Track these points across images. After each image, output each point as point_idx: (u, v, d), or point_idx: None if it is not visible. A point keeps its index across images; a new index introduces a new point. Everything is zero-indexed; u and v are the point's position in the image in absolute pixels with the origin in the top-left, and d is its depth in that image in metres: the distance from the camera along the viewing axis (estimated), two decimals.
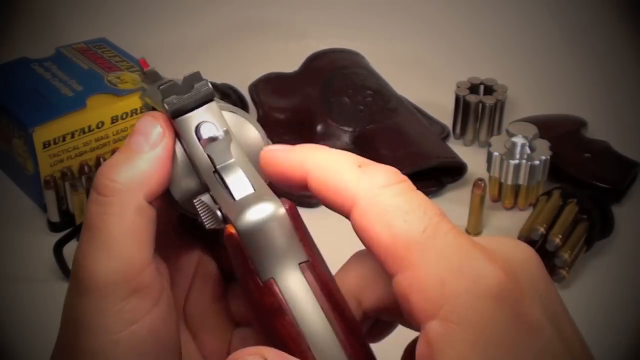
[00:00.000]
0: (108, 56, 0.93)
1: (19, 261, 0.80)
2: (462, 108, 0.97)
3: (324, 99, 0.96)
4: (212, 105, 0.38)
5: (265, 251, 0.35)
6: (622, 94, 1.06)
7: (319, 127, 0.94)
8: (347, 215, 0.35)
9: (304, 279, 0.35)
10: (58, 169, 0.83)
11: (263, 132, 0.40)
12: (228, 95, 0.99)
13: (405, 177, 0.35)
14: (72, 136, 0.83)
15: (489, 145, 0.86)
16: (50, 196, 0.81)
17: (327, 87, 0.98)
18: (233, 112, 0.39)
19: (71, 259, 0.81)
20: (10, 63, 0.93)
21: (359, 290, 0.37)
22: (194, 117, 0.38)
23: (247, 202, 0.35)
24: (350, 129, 0.93)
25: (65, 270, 0.76)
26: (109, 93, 0.87)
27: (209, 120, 0.38)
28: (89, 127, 0.84)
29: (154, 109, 0.40)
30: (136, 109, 0.87)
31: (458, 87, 0.98)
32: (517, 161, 0.84)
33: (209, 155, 0.37)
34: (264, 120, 0.98)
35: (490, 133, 0.97)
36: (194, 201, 0.37)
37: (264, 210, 0.35)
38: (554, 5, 1.16)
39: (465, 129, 0.97)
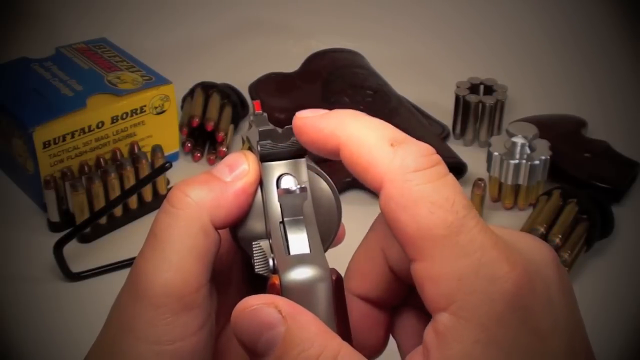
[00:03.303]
0: (108, 56, 0.93)
1: (19, 261, 0.80)
2: (462, 108, 0.97)
3: (324, 99, 0.96)
4: (301, 161, 0.39)
5: None
6: (622, 94, 1.06)
7: None
8: (376, 192, 0.34)
9: None
10: (58, 169, 0.83)
11: (339, 201, 0.40)
12: (228, 95, 0.99)
13: (438, 159, 0.34)
14: (72, 136, 0.83)
15: (489, 145, 0.86)
16: (50, 196, 0.81)
17: (327, 87, 0.98)
18: (319, 175, 0.40)
19: (71, 259, 0.81)
20: (10, 63, 0.93)
21: (384, 245, 0.38)
22: (280, 167, 0.39)
23: (299, 260, 0.36)
24: None
25: (65, 270, 0.76)
26: (109, 93, 0.87)
27: (292, 173, 0.39)
28: (89, 127, 0.84)
29: (250, 149, 0.41)
30: (136, 109, 0.87)
31: (458, 87, 0.98)
32: (517, 161, 0.84)
33: (280, 206, 0.38)
34: None
35: (490, 133, 0.97)
36: (253, 243, 0.38)
37: (311, 273, 0.36)
38: (554, 5, 1.16)
39: (465, 129, 0.97)
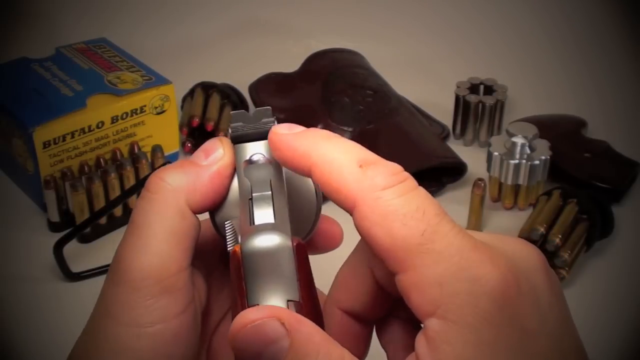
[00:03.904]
0: (108, 56, 0.93)
1: (19, 261, 0.80)
2: (462, 108, 0.97)
3: (324, 99, 0.96)
4: None
5: (260, 278, 0.36)
6: (622, 94, 1.06)
7: (319, 127, 0.94)
8: (349, 213, 0.35)
9: None
10: (58, 169, 0.83)
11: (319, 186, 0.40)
12: (228, 95, 0.99)
13: (406, 175, 0.35)
14: (72, 136, 0.83)
15: (489, 145, 0.86)
16: (50, 196, 0.81)
17: (327, 87, 0.98)
18: None
19: (71, 259, 0.81)
20: (10, 63, 0.93)
21: (371, 262, 0.38)
22: (251, 148, 0.40)
23: (260, 229, 0.37)
24: (350, 129, 0.93)
25: (65, 270, 0.76)
26: (109, 93, 0.86)
27: (263, 153, 0.40)
28: (89, 127, 0.84)
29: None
30: (136, 109, 0.87)
31: (458, 87, 0.98)
32: (517, 161, 0.84)
33: (250, 182, 0.39)
34: None
35: (490, 133, 0.97)
36: (225, 222, 0.39)
37: (272, 240, 0.36)
38: (554, 6, 1.16)
39: (465, 129, 0.97)
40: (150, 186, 0.39)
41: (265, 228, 0.37)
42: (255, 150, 0.40)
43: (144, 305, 0.37)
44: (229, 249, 0.38)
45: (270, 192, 0.39)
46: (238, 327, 0.33)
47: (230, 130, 0.40)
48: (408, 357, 0.34)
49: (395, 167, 0.35)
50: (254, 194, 0.38)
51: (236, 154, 0.40)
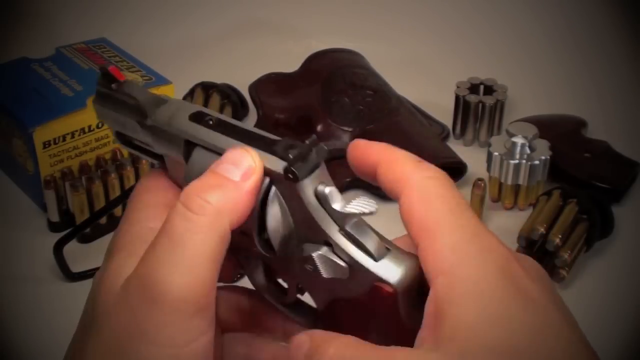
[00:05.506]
0: (108, 56, 0.93)
1: (19, 261, 0.80)
2: (462, 108, 0.97)
3: (324, 98, 0.96)
4: (323, 166, 0.41)
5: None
6: (622, 94, 1.06)
7: (319, 127, 0.94)
8: (398, 197, 0.40)
9: None
10: (58, 169, 0.83)
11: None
12: (228, 95, 0.99)
13: (450, 180, 0.41)
14: (72, 136, 0.83)
15: (489, 145, 0.86)
16: (50, 196, 0.81)
17: (327, 87, 0.98)
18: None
19: (71, 259, 0.81)
20: (10, 63, 0.93)
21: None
22: (312, 180, 0.41)
23: (397, 261, 0.40)
24: (350, 129, 0.93)
25: (65, 270, 0.76)
26: None
27: (326, 182, 0.41)
28: (89, 127, 0.84)
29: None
30: None
31: (458, 87, 0.98)
32: (517, 161, 0.84)
33: (330, 215, 0.40)
34: (264, 120, 0.98)
35: (490, 133, 0.97)
36: (313, 254, 0.40)
37: (410, 267, 0.40)
38: (554, 6, 1.16)
39: (465, 129, 0.97)
40: (192, 206, 0.38)
41: (398, 259, 0.40)
42: (317, 180, 0.41)
43: (180, 325, 0.37)
44: (327, 276, 0.40)
45: (356, 220, 0.40)
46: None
47: (295, 171, 0.40)
48: (420, 329, 0.37)
49: (441, 170, 0.41)
50: (346, 227, 0.40)
51: (302, 190, 0.40)
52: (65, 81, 0.88)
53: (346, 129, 0.93)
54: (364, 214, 0.39)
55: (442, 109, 1.00)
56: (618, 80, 1.08)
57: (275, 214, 0.41)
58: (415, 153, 0.43)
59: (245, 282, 0.48)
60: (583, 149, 0.92)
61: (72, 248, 0.78)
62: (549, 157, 0.84)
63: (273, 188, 0.41)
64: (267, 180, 0.40)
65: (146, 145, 0.47)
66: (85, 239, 0.82)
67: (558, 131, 0.93)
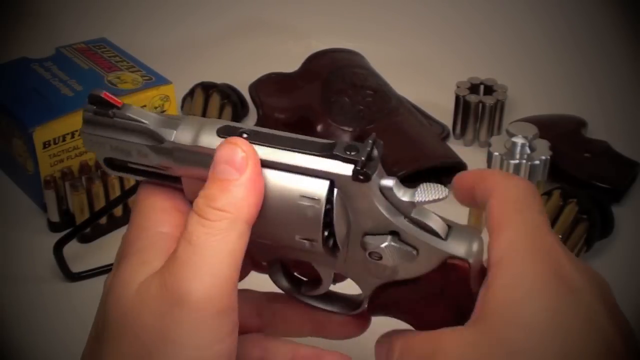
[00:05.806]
0: (108, 56, 0.93)
1: (19, 261, 0.80)
2: (462, 108, 0.97)
3: (324, 98, 0.96)
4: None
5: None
6: (622, 94, 1.06)
7: (319, 127, 0.94)
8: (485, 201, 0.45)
9: None
10: (58, 169, 0.83)
11: None
12: (228, 95, 0.99)
13: (533, 188, 0.45)
14: (72, 136, 0.83)
15: (489, 145, 0.86)
16: (50, 196, 0.81)
17: (327, 87, 0.98)
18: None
19: (71, 259, 0.81)
20: (10, 63, 0.93)
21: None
22: (378, 174, 0.43)
23: (460, 238, 0.43)
24: (350, 129, 0.93)
25: (65, 270, 0.76)
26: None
27: (384, 174, 0.43)
28: None
29: None
30: None
31: (458, 87, 0.98)
32: (517, 161, 0.84)
33: (395, 205, 0.43)
34: (264, 120, 0.98)
35: (490, 133, 0.97)
36: (382, 246, 0.43)
37: (478, 241, 0.44)
38: (553, 6, 1.16)
39: (465, 129, 0.97)
40: (206, 215, 0.39)
41: (464, 235, 0.43)
42: (380, 173, 0.43)
43: (205, 326, 0.38)
44: (394, 263, 0.43)
45: (415, 207, 0.43)
46: None
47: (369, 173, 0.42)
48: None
49: (526, 180, 0.48)
50: (412, 214, 0.43)
51: (371, 188, 0.42)
52: (65, 81, 0.88)
53: (346, 128, 0.93)
54: (438, 199, 0.42)
55: (442, 109, 1.00)
56: (618, 80, 1.08)
57: (338, 215, 0.42)
58: (416, 153, 0.44)
59: (245, 283, 0.48)
60: (583, 149, 0.92)
61: (72, 248, 0.78)
62: (549, 157, 0.84)
63: (335, 191, 0.42)
64: (327, 184, 0.41)
65: (156, 169, 0.45)
66: (85, 239, 0.82)
67: (558, 131, 0.93)
